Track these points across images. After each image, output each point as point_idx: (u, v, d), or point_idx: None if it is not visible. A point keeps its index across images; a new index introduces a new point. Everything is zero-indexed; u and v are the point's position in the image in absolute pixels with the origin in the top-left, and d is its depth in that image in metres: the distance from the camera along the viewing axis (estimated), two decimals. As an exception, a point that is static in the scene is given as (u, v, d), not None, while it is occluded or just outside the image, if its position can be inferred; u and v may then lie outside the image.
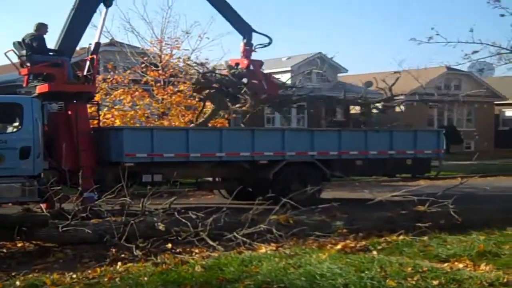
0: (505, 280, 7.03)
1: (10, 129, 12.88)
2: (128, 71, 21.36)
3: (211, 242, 9.20)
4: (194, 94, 18.37)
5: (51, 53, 13.70)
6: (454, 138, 34.80)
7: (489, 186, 16.26)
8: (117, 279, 7.17)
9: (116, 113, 19.58)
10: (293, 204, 10.56)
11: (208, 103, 18.10)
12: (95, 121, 14.53)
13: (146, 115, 20.22)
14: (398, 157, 16.45)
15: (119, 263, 8.09)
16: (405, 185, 17.01)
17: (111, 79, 20.61)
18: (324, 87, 30.51)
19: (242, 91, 16.29)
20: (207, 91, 16.69)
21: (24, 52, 13.43)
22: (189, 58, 21.60)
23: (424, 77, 27.39)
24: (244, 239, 9.27)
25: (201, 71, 18.60)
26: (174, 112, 20.27)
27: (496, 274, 7.24)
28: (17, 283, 7.13)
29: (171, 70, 21.01)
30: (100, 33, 14.43)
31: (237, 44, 16.42)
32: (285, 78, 26.22)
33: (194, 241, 9.33)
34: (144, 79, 21.06)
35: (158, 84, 20.80)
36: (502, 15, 15.98)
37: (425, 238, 9.68)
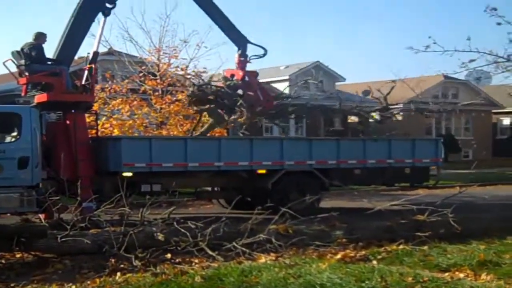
0: (506, 289, 7.03)
1: (8, 139, 12.85)
2: (126, 80, 21.40)
3: (210, 252, 9.21)
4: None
5: (49, 63, 13.72)
6: (452, 147, 34.81)
7: (487, 195, 16.22)
8: (116, 290, 7.16)
9: (114, 122, 19.59)
10: (292, 214, 10.56)
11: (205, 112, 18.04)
12: (94, 131, 14.57)
13: (144, 124, 20.24)
14: (397, 166, 16.42)
15: (118, 274, 8.06)
16: (404, 194, 16.94)
17: (109, 88, 20.66)
18: (321, 97, 30.51)
19: (238, 103, 16.26)
20: (206, 106, 16.59)
21: (22, 61, 13.44)
22: (187, 67, 21.68)
23: (421, 86, 27.44)
24: (244, 249, 9.27)
25: (196, 82, 18.56)
26: (172, 122, 20.27)
27: (497, 284, 7.24)
28: (16, 294, 7.12)
29: (169, 79, 21.04)
30: (99, 42, 14.45)
31: (234, 53, 16.38)
32: (283, 86, 26.21)
33: (193, 251, 9.33)
34: (142, 88, 21.10)
35: (156, 94, 20.82)
36: (499, 24, 15.98)
37: (425, 247, 9.68)
